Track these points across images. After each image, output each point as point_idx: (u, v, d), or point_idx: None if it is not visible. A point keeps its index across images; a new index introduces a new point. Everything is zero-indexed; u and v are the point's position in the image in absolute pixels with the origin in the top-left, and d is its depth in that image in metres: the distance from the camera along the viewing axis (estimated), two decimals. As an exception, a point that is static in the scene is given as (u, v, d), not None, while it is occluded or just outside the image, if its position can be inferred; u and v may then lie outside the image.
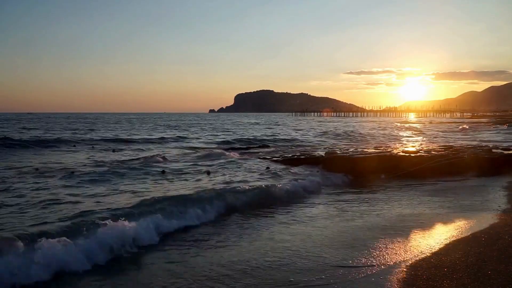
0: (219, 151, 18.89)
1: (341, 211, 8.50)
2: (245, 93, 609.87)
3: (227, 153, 17.89)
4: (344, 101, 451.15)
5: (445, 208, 8.61)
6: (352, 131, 39.12)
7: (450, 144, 21.01)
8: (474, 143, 22.60)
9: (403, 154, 14.97)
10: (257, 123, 64.99)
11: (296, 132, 38.87)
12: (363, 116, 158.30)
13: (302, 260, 5.48)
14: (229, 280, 4.85)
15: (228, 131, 40.80)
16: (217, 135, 34.22)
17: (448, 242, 6.13)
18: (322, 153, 16.26)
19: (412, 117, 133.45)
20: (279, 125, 57.89)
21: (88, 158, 16.33)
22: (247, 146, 22.47)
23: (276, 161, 15.67)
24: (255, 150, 20.18)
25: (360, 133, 36.15)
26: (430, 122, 70.73)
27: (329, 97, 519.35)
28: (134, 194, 8.94)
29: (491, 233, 6.47)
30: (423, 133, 38.64)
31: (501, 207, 8.49)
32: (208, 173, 12.68)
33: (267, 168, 13.35)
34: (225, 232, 6.97)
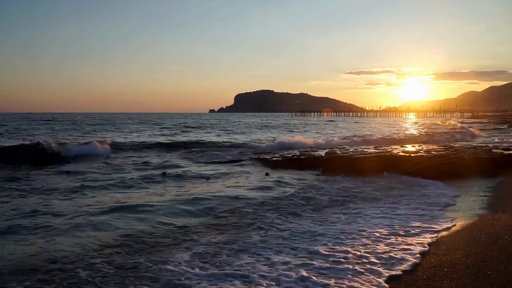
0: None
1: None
2: (245, 93, 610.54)
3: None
4: (344, 101, 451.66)
5: (444, 208, 8.61)
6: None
7: (450, 144, 21.01)
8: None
9: (403, 154, 14.97)
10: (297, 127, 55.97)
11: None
12: (363, 116, 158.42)
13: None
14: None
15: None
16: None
17: (448, 242, 6.13)
18: (322, 153, 16.24)
19: (412, 117, 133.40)
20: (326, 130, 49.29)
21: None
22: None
23: (275, 162, 15.64)
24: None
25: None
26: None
27: (329, 97, 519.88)
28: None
29: (491, 233, 6.47)
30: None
31: (500, 207, 8.49)
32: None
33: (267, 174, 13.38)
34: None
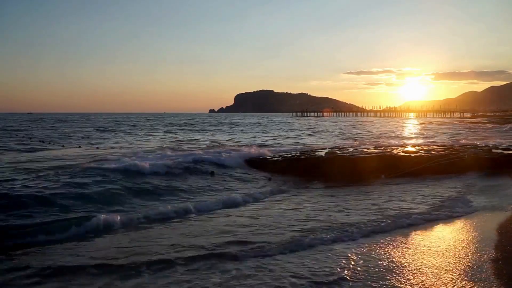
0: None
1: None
2: (245, 93, 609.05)
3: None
4: (344, 101, 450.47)
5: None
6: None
7: (450, 144, 20.99)
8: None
9: (403, 154, 14.96)
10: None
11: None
12: (363, 116, 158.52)
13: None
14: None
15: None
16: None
17: None
18: (322, 153, 16.21)
19: (412, 117, 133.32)
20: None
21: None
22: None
23: (276, 162, 15.62)
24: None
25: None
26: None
27: (329, 97, 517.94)
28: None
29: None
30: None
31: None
32: (212, 173, 12.77)
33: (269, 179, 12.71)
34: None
